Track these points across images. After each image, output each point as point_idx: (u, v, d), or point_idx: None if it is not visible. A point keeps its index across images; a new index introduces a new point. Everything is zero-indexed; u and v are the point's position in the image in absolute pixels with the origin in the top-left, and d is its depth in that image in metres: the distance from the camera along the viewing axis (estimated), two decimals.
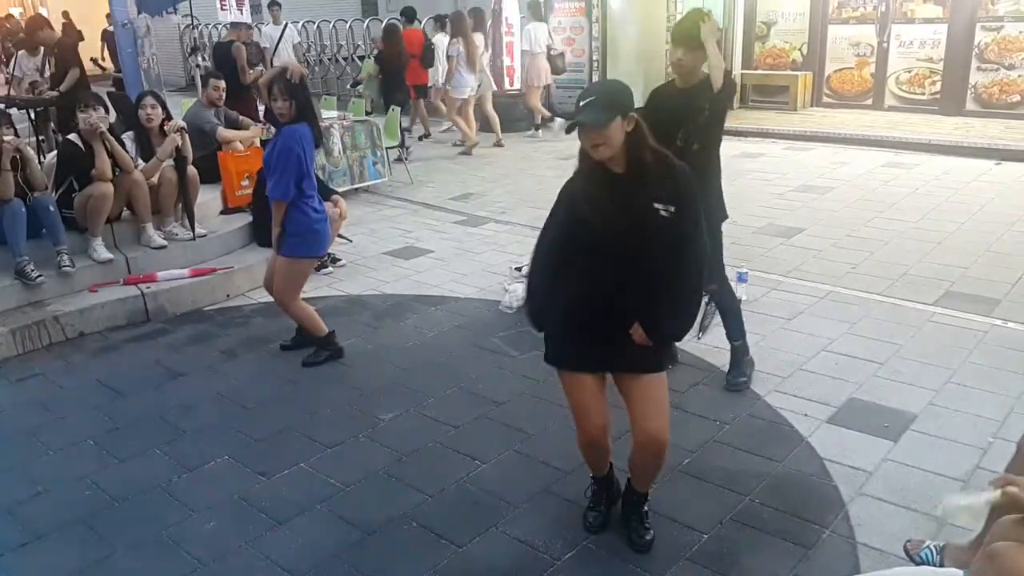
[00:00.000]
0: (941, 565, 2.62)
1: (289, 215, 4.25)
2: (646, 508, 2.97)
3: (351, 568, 2.88)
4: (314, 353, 4.53)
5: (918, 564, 2.69)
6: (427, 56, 10.55)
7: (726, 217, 3.98)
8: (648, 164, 2.64)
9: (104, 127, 5.25)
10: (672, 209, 2.61)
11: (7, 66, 8.00)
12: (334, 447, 3.66)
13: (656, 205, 2.61)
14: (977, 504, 2.06)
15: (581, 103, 2.60)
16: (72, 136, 5.41)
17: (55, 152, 5.80)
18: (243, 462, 3.57)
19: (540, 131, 11.50)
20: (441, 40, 10.77)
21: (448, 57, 10.15)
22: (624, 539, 2.95)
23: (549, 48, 11.33)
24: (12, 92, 7.85)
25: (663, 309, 2.72)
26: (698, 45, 3.62)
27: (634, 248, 2.65)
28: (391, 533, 3.06)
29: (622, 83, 2.72)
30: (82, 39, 8.24)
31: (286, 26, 10.97)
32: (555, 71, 11.48)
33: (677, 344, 4.26)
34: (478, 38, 10.45)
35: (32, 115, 7.79)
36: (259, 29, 10.92)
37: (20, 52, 8.05)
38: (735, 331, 4.13)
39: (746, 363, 4.13)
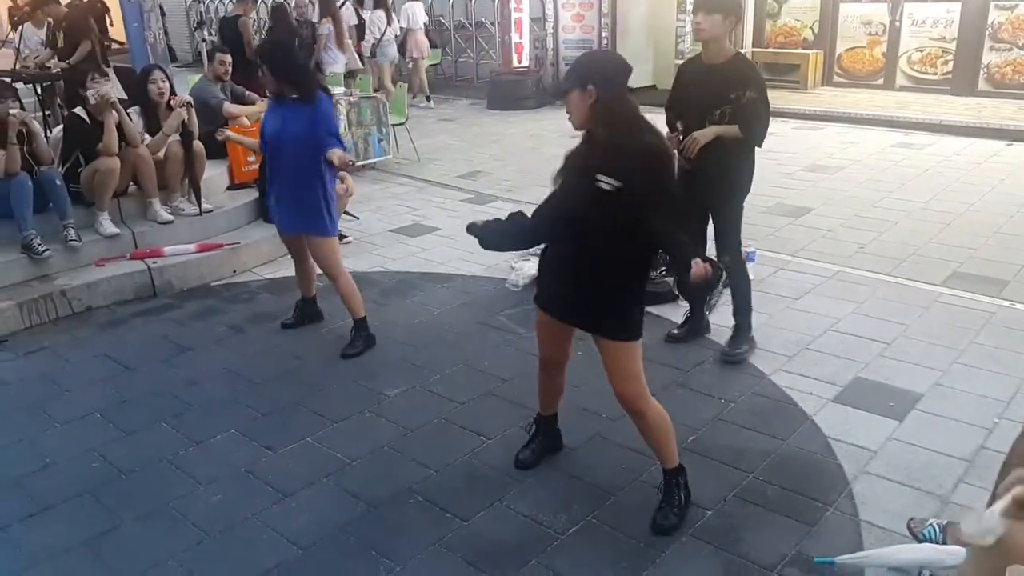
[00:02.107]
0: (944, 543, 2.62)
1: (328, 191, 4.22)
2: (678, 494, 2.94)
3: (356, 541, 2.90)
4: (350, 343, 4.38)
5: (921, 542, 2.69)
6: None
7: (748, 190, 3.99)
8: (601, 137, 2.70)
9: (115, 96, 5.23)
10: (618, 185, 2.60)
11: (15, 40, 7.94)
12: (340, 422, 3.68)
13: (599, 178, 2.62)
14: (992, 523, 2.05)
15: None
16: (78, 110, 5.40)
17: (61, 126, 5.79)
18: (249, 436, 3.59)
19: (431, 101, 12.37)
20: (379, 16, 11.25)
21: (318, 36, 10.17)
22: (626, 515, 2.97)
23: (427, 25, 12.25)
24: (18, 66, 7.82)
25: (593, 291, 2.78)
26: (715, 8, 3.59)
27: (579, 220, 2.72)
28: (396, 507, 3.08)
29: (607, 54, 2.84)
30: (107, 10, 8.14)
31: (343, 4, 10.76)
32: (434, 45, 12.71)
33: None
34: (379, 15, 11.15)
35: (38, 89, 7.76)
36: (312, 4, 10.78)
37: (26, 25, 8.01)
38: (741, 308, 4.12)
39: (746, 339, 4.12)
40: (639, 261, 2.79)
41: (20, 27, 8.02)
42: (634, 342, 2.82)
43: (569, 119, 2.75)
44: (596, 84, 2.65)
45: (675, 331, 4.35)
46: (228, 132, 5.15)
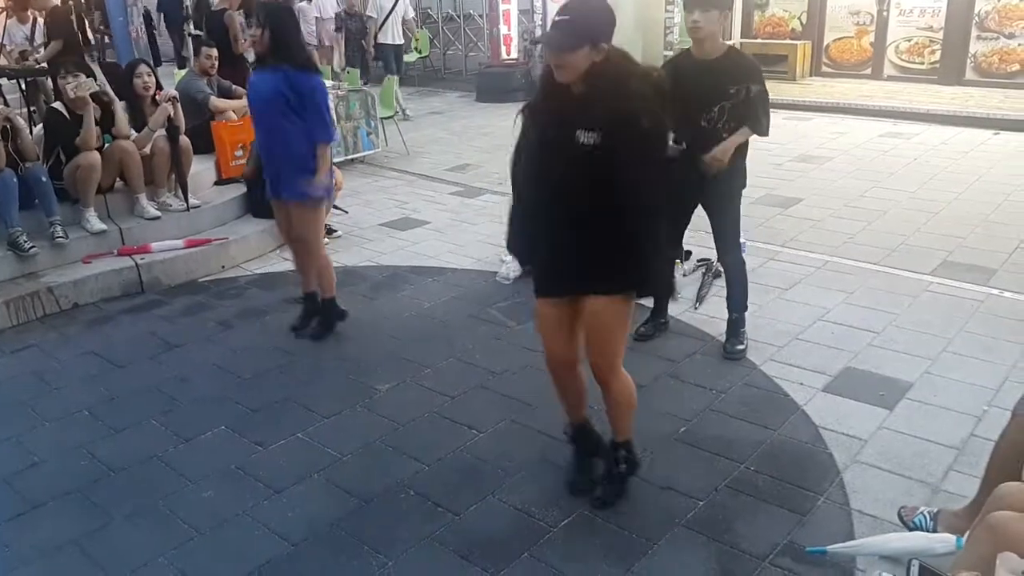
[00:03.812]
0: (935, 531, 2.64)
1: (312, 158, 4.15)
2: (622, 467, 2.95)
3: (348, 536, 2.89)
4: (320, 324, 4.45)
5: (912, 530, 2.70)
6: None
7: (745, 184, 3.96)
8: (600, 88, 2.43)
9: (88, 91, 5.15)
10: (593, 138, 2.42)
11: None
12: (331, 417, 3.66)
13: (577, 132, 2.44)
14: None
15: (557, 18, 2.44)
16: (57, 104, 5.34)
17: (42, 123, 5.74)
18: (240, 432, 3.57)
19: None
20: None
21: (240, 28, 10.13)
22: (618, 507, 2.96)
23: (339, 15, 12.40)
24: (3, 61, 7.75)
25: (593, 258, 2.62)
26: (712, 5, 3.53)
27: (564, 183, 2.55)
28: (388, 502, 3.07)
29: (606, 6, 2.49)
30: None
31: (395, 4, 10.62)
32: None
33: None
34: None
35: (23, 85, 7.69)
36: None
37: (9, 21, 7.94)
38: (736, 302, 4.11)
39: (742, 334, 4.12)
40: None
41: (4, 23, 7.96)
42: (627, 302, 2.71)
43: (557, 72, 2.47)
44: (607, 41, 2.42)
45: (642, 328, 4.25)
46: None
